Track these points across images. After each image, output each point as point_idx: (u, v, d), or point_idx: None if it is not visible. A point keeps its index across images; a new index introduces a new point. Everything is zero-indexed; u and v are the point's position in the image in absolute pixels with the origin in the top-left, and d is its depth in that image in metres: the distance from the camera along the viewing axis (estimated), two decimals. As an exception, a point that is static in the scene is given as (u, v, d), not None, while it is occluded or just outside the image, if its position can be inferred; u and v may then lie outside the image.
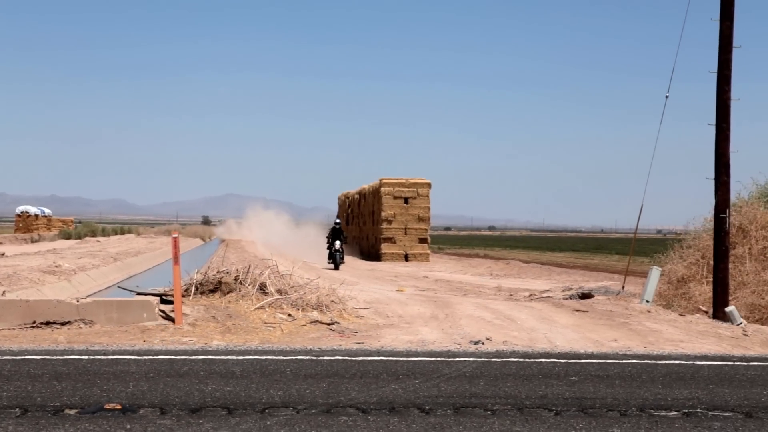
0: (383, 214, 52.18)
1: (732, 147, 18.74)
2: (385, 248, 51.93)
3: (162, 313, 15.73)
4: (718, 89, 18.88)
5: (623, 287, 24.46)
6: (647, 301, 20.54)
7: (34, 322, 15.04)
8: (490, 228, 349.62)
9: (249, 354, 11.04)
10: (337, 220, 45.40)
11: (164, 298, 16.68)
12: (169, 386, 8.63)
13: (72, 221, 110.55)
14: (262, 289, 17.79)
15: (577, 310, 19.23)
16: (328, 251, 42.32)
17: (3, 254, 43.52)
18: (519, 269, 44.16)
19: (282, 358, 10.75)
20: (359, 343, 13.70)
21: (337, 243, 41.59)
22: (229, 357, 10.75)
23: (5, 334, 14.33)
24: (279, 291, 17.65)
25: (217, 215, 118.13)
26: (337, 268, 39.96)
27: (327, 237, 43.70)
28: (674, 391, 9.17)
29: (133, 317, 15.29)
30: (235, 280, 18.15)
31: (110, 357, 10.54)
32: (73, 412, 7.40)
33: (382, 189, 52.78)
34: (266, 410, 7.64)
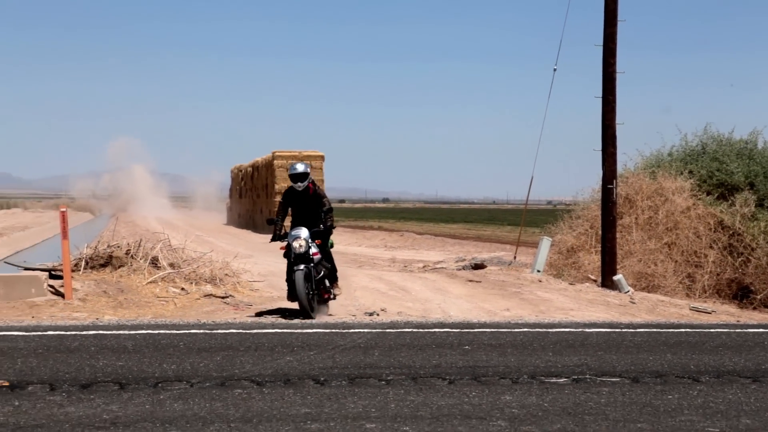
0: (276, 187, 51.88)
1: (618, 119, 19.16)
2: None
3: (51, 289, 15.40)
4: (603, 62, 19.25)
5: (515, 257, 24.85)
6: (538, 271, 20.91)
7: None
8: (384, 200, 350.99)
9: (141, 328, 10.90)
10: (298, 166, 15.00)
11: (53, 273, 16.33)
12: (59, 362, 8.47)
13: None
14: (155, 263, 17.57)
15: (471, 281, 19.47)
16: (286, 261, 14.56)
17: None
18: (413, 241, 44.51)
19: (175, 332, 10.64)
20: (252, 316, 13.63)
21: (303, 234, 14.31)
22: (121, 332, 10.59)
23: None
24: (172, 265, 17.45)
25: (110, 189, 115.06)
26: (308, 310, 13.76)
27: (273, 219, 15.04)
28: (564, 358, 9.36)
29: (21, 293, 14.95)
30: (127, 254, 17.88)
31: (-3, 333, 10.29)
32: (-42, 390, 7.22)
33: (275, 162, 52.48)
34: (159, 384, 7.55)
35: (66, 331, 10.53)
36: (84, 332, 10.48)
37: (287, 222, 14.78)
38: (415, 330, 11.29)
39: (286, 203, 15.43)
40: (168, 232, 21.32)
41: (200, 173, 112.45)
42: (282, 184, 51.80)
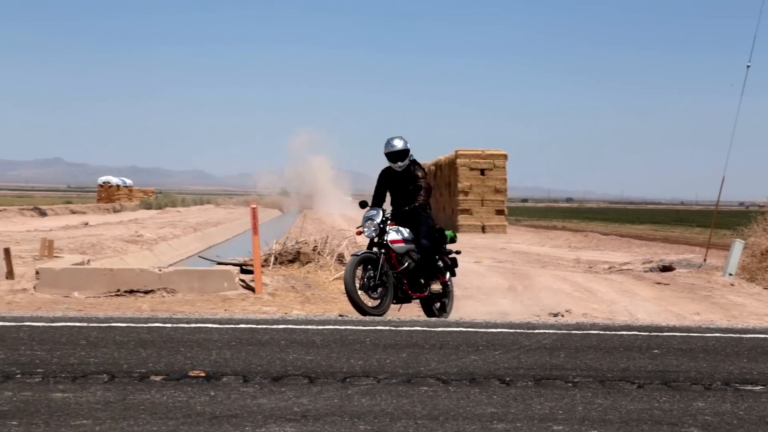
0: (459, 185, 52.01)
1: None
2: (462, 220, 51.77)
3: (242, 283, 15.92)
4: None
5: (705, 260, 24.12)
6: (730, 275, 20.23)
7: (118, 291, 15.35)
8: (568, 200, 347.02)
9: (329, 324, 11.09)
10: (395, 142, 13.53)
11: (244, 268, 16.87)
12: (251, 355, 8.72)
13: (152, 192, 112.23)
14: (340, 259, 17.91)
15: (658, 283, 19.02)
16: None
17: (86, 224, 44.47)
18: (597, 241, 43.75)
19: (361, 328, 10.78)
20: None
21: (377, 217, 13.21)
22: (309, 327, 10.81)
23: (90, 301, 14.63)
24: (357, 262, 17.74)
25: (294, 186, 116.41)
26: (358, 303, 12.49)
27: (365, 202, 14.04)
28: (760, 365, 9.00)
29: (214, 287, 15.50)
30: (314, 250, 18.32)
31: (193, 325, 10.68)
32: (158, 378, 7.52)
33: (458, 160, 52.59)
34: (347, 379, 7.68)
35: (257, 325, 10.83)
36: (274, 326, 10.75)
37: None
38: (601, 332, 11.08)
39: (381, 186, 13.85)
40: (353, 229, 21.68)
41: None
42: (465, 182, 51.92)
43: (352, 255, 12.67)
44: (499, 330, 11.04)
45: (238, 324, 10.89)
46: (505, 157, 53.01)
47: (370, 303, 12.55)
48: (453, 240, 13.89)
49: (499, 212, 52.60)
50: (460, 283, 17.96)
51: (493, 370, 8.25)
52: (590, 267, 26.12)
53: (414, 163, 13.60)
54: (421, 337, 10.18)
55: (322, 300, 15.07)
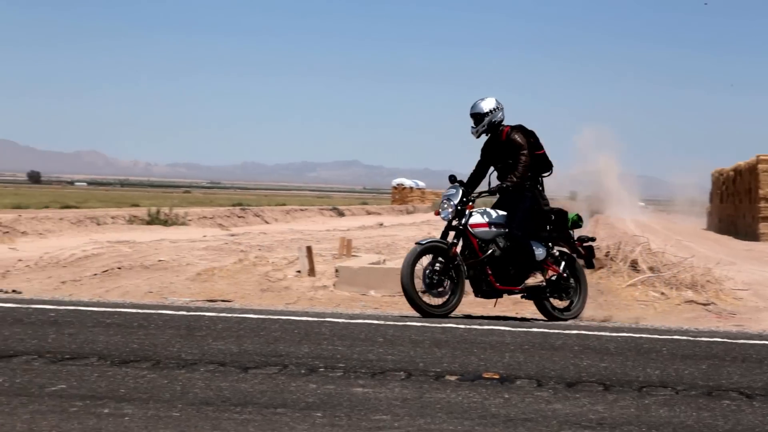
0: (761, 192, 49.42)
1: None
2: (764, 228, 49.16)
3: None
4: None
5: None
6: None
7: (411, 291, 15.69)
8: None
9: (623, 331, 10.89)
10: (478, 103, 11.73)
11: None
12: (544, 359, 8.69)
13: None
14: (633, 266, 17.53)
15: None
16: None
17: (381, 224, 45.96)
18: None
19: (657, 336, 10.51)
20: (738, 325, 13.13)
21: (455, 197, 11.57)
22: (602, 333, 10.67)
23: (386, 300, 15.11)
24: (651, 268, 17.32)
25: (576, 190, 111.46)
26: (414, 300, 11.21)
27: (453, 176, 12.03)
28: None
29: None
30: (606, 256, 18.03)
31: (485, 327, 10.79)
32: (453, 378, 7.64)
33: (760, 166, 49.99)
34: (643, 389, 7.49)
35: (549, 329, 10.81)
36: (566, 331, 10.69)
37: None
38: None
39: (483, 159, 12.07)
40: (647, 235, 21.16)
41: (679, 176, 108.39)
42: (767, 189, 49.36)
43: (415, 243, 11.19)
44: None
45: (530, 328, 10.91)
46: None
47: (430, 301, 11.21)
48: (577, 224, 12.29)
49: (805, 220, 49.60)
50: (762, 293, 17.14)
51: (802, 388, 7.79)
52: None
53: (517, 129, 11.68)
54: (721, 349, 9.79)
55: (615, 307, 14.78)
